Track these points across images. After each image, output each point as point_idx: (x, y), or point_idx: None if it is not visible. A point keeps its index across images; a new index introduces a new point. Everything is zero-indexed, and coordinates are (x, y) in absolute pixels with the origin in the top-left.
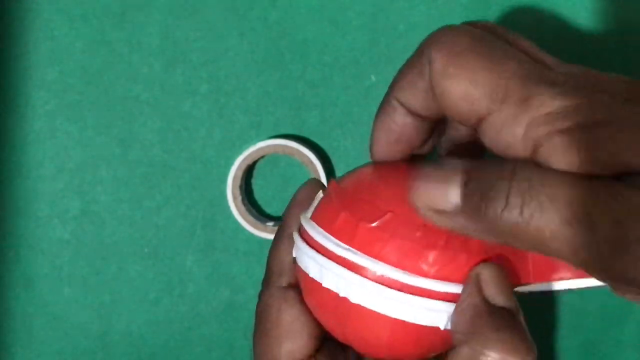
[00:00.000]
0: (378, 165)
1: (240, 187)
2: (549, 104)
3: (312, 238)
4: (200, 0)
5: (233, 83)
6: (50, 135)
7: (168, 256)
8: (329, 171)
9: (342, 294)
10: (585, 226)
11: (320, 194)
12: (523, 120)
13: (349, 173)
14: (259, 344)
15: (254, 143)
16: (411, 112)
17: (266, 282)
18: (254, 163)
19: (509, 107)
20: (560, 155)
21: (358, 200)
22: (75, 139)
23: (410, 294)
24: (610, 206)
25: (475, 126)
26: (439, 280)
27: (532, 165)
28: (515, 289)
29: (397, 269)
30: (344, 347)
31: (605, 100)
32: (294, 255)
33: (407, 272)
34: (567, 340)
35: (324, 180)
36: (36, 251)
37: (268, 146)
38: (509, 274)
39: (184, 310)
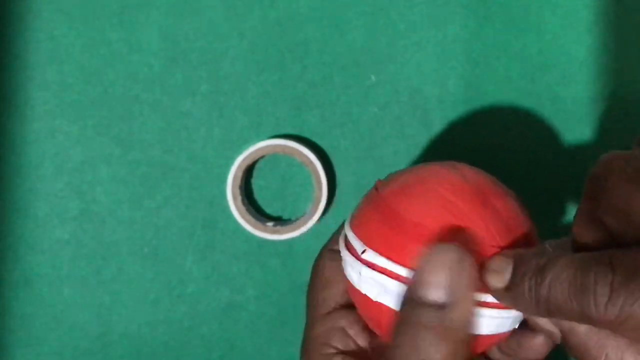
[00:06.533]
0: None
1: (240, 187)
2: None
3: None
4: (200, 0)
5: (233, 83)
6: (50, 135)
7: (168, 256)
8: (329, 171)
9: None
10: None
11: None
12: None
13: (398, 177)
14: (309, 292)
15: (254, 143)
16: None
17: (322, 249)
18: (254, 163)
19: None
20: None
21: (402, 218)
22: (75, 139)
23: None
24: None
25: None
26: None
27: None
28: None
29: None
30: None
31: None
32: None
33: None
34: None
35: (323, 179)
36: (36, 251)
37: (268, 146)
38: None
39: (184, 311)
